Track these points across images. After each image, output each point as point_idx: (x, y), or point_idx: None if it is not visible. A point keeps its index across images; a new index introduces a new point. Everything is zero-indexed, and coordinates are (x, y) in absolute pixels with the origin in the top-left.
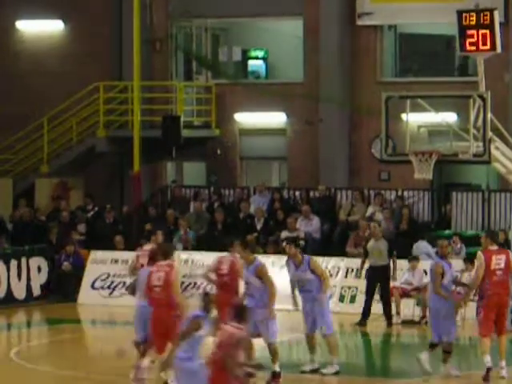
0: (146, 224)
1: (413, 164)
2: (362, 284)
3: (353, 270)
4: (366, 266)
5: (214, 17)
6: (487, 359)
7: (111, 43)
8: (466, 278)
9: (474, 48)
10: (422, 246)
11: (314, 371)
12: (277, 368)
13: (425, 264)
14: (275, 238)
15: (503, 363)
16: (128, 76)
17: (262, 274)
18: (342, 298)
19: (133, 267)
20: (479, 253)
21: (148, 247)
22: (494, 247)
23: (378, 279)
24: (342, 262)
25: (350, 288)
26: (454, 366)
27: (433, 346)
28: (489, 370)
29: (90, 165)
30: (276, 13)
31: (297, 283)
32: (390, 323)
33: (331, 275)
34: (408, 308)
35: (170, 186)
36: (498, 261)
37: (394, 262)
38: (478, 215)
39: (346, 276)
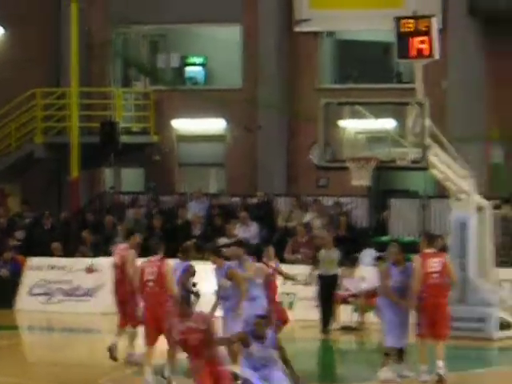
0: (84, 230)
1: (351, 170)
2: (300, 290)
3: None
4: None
5: (153, 23)
6: (424, 369)
7: (50, 49)
8: None
9: (411, 55)
10: (368, 254)
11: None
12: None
13: (366, 270)
14: (213, 245)
15: (440, 363)
16: (66, 82)
17: (231, 276)
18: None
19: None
20: (416, 256)
21: (123, 246)
22: (431, 250)
23: (329, 287)
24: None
25: (288, 294)
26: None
27: (388, 354)
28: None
29: (28, 171)
30: (214, 19)
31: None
32: (326, 330)
33: None
34: (346, 314)
35: (108, 192)
36: (434, 264)
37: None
38: (416, 222)
39: (284, 282)
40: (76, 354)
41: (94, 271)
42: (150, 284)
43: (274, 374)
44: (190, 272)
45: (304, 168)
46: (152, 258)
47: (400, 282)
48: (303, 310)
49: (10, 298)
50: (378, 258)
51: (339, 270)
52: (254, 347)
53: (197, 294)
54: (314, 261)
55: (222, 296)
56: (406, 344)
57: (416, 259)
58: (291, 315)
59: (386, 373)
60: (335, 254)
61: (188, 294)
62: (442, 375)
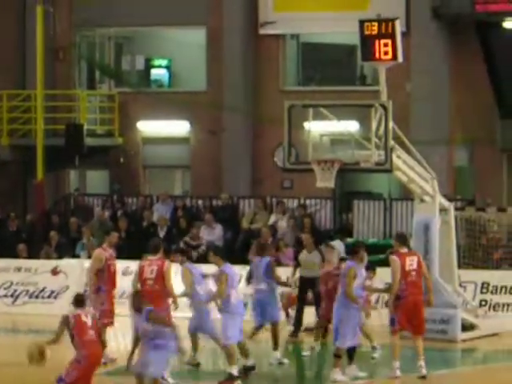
0: (51, 232)
1: (315, 172)
2: None
3: None
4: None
5: (117, 26)
6: (396, 365)
7: (15, 52)
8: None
9: (375, 57)
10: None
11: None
12: (233, 371)
13: None
14: (178, 247)
15: (422, 362)
16: (31, 85)
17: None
18: (244, 306)
19: None
20: (393, 256)
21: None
22: (405, 249)
23: (309, 290)
24: (244, 270)
25: (251, 296)
26: (354, 367)
27: (338, 355)
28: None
29: None
30: (179, 22)
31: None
32: (295, 335)
33: None
34: (309, 316)
35: (73, 195)
36: (411, 262)
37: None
38: (380, 223)
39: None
40: None
41: (58, 273)
42: (150, 282)
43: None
44: None
45: (269, 170)
46: (153, 257)
47: (362, 283)
48: None
49: None
50: (341, 260)
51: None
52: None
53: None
54: (295, 263)
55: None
56: (357, 344)
57: (393, 259)
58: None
59: (337, 374)
60: (317, 257)
61: None
62: (425, 374)
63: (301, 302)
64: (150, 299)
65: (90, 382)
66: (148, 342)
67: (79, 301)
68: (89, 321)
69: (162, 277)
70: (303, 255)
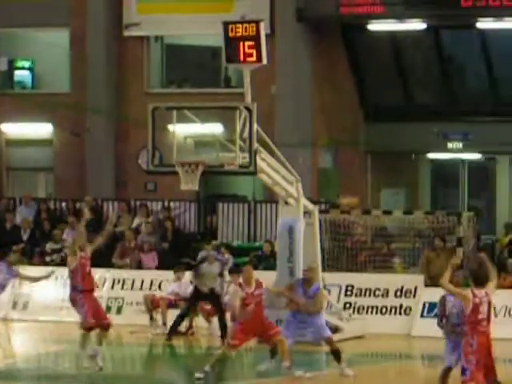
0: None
1: (179, 175)
2: (128, 295)
3: (119, 280)
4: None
5: None
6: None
7: None
8: (231, 288)
9: (240, 59)
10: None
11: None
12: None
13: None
14: (41, 249)
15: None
16: None
17: None
18: (108, 309)
19: None
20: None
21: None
22: None
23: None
24: (108, 273)
25: (116, 299)
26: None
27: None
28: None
29: None
30: (42, 23)
31: None
32: (170, 338)
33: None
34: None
35: None
36: None
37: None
38: (244, 226)
39: (112, 287)
40: None
41: None
42: None
43: None
44: None
45: (133, 172)
46: None
47: None
48: (132, 314)
49: None
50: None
51: (217, 284)
52: None
53: None
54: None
55: None
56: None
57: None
58: (121, 319)
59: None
60: (217, 267)
61: None
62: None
63: (188, 309)
64: None
65: None
66: None
67: None
68: None
69: None
70: (204, 266)
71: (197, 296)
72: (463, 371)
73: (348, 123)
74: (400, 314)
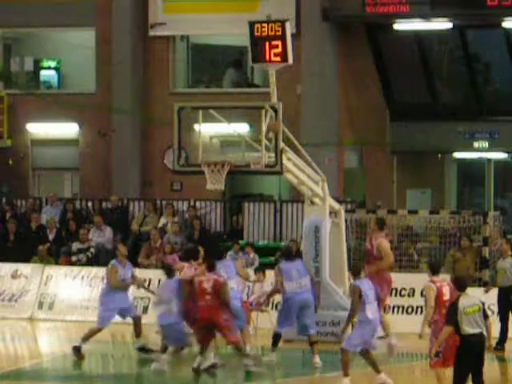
0: None
1: (205, 175)
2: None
3: (145, 280)
4: None
5: (6, 26)
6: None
7: None
8: (257, 288)
9: (265, 59)
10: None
11: None
12: None
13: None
14: (67, 249)
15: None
16: None
17: None
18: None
19: None
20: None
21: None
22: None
23: None
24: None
25: (142, 299)
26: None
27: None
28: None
29: None
30: (68, 23)
31: None
32: None
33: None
34: None
35: None
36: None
37: None
38: (270, 226)
39: (138, 287)
40: None
41: None
42: None
43: None
44: None
45: (158, 172)
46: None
47: None
48: None
49: None
50: None
51: None
52: None
53: None
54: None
55: None
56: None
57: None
58: (145, 319)
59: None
60: None
61: None
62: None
63: None
64: None
65: None
66: None
67: None
68: None
69: None
70: None
71: None
72: None
73: (374, 123)
74: None
